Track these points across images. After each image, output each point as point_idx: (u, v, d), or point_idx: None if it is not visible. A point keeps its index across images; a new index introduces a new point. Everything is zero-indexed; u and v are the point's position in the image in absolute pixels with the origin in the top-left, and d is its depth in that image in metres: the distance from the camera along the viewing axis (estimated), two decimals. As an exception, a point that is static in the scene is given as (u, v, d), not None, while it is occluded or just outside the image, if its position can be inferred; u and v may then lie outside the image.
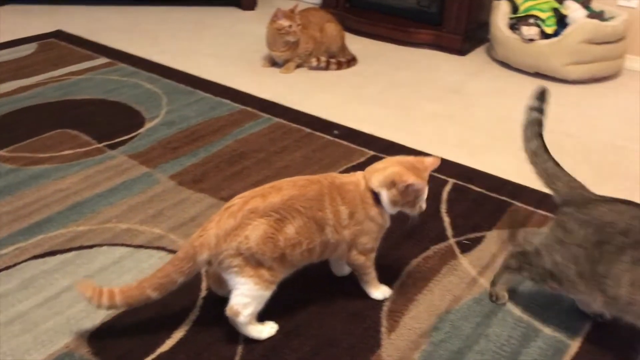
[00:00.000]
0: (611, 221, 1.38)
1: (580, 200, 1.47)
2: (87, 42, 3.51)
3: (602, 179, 2.24)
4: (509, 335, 1.53)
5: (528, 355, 1.47)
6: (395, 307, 1.61)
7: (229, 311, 1.43)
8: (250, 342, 1.48)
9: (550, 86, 3.06)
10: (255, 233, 1.38)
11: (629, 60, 3.27)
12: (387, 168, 1.51)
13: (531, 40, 3.06)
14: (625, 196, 1.50)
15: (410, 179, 1.46)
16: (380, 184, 1.49)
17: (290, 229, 1.42)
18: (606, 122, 2.69)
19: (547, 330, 1.54)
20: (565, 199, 1.51)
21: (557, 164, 1.58)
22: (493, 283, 1.65)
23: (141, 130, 2.50)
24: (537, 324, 1.56)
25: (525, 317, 1.58)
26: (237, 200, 1.44)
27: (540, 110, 1.64)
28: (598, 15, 3.11)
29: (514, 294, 1.65)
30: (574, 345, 1.50)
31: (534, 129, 1.63)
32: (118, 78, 3.01)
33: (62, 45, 3.47)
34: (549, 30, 3.08)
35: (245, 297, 1.42)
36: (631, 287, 1.34)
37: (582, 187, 1.52)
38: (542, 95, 1.65)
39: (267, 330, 1.50)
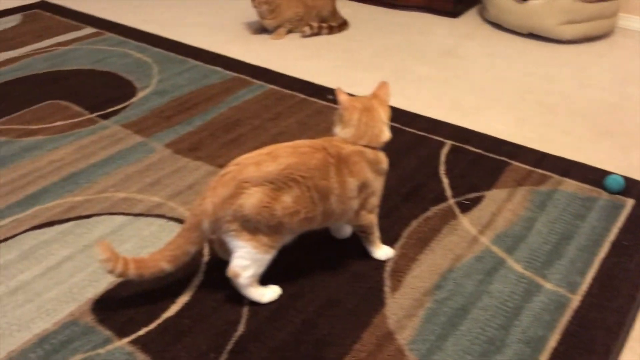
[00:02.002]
0: None
1: None
2: (72, 12, 3.44)
3: (598, 136, 2.24)
4: (511, 291, 1.54)
5: (531, 310, 1.48)
6: (397, 267, 1.62)
7: (229, 272, 1.43)
8: (256, 304, 1.49)
9: (544, 46, 3.06)
10: (249, 201, 1.37)
11: (622, 19, 3.25)
12: (375, 117, 1.52)
13: (524, 0, 3.03)
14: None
15: (388, 99, 1.57)
16: (386, 130, 1.53)
17: (287, 198, 1.40)
18: (600, 81, 2.68)
19: (548, 286, 1.56)
20: None
21: None
22: None
23: (133, 100, 2.46)
24: (539, 280, 1.57)
25: (527, 273, 1.60)
26: (232, 167, 1.42)
27: None
28: (591, -27, 3.08)
29: (514, 251, 1.67)
30: (575, 299, 1.51)
31: None
32: (106, 48, 2.96)
33: (46, 16, 3.40)
34: (542, -11, 3.04)
35: (245, 259, 1.42)
36: None
37: None
38: None
39: (269, 293, 1.50)
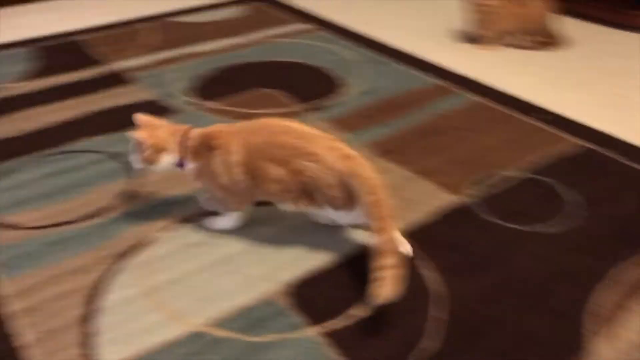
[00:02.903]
0: None
1: None
2: (290, 8, 3.65)
3: None
4: None
5: None
6: (603, 312, 1.48)
7: None
8: (449, 321, 1.45)
9: None
10: None
11: None
12: None
13: None
14: None
15: None
16: None
17: None
18: None
19: None
20: None
21: None
22: None
23: (337, 97, 2.55)
24: None
25: None
26: None
27: None
28: None
29: None
30: None
31: None
32: (318, 44, 3.10)
33: (266, 9, 3.64)
34: None
35: None
36: None
37: None
38: None
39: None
